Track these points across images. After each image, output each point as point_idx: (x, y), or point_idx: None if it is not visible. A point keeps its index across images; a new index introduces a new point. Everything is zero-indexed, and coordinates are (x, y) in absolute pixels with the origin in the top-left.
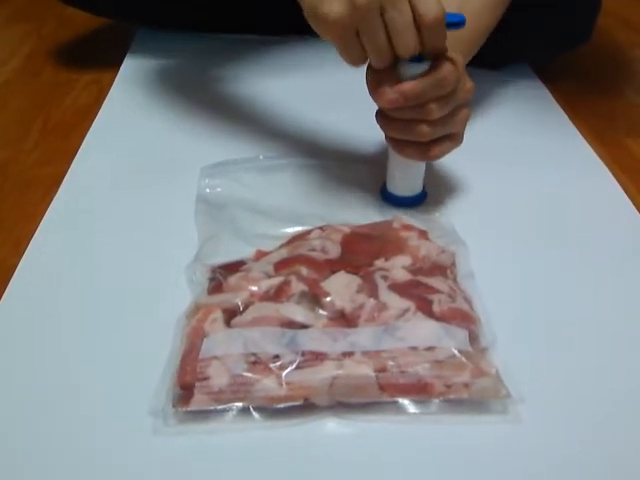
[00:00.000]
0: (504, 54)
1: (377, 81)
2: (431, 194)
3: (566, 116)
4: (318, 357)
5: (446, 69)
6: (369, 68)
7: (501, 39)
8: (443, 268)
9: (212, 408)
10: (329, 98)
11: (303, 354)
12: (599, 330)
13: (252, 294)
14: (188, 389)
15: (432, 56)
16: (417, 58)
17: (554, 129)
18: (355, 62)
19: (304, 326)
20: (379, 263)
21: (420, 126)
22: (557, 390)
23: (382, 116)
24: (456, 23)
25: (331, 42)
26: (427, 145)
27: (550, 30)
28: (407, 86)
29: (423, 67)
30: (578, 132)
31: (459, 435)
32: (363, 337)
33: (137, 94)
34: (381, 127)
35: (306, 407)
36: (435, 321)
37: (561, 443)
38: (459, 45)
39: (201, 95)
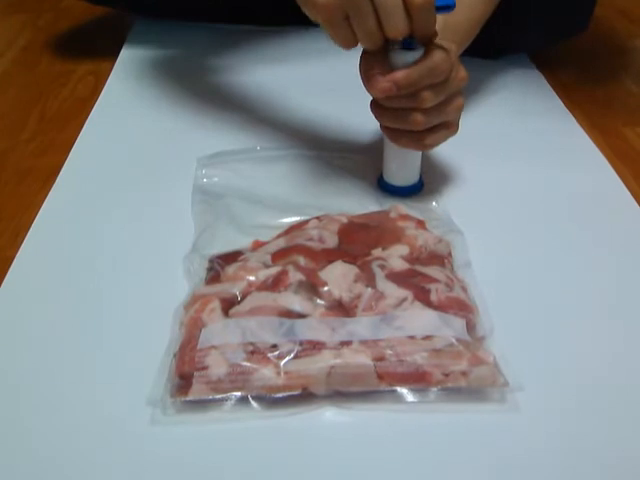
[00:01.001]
0: (501, 43)
1: (370, 71)
2: (428, 183)
3: (563, 105)
4: (316, 346)
5: (438, 57)
6: (362, 57)
7: (498, 28)
8: (440, 257)
9: (211, 397)
10: (326, 88)
11: (301, 343)
12: (597, 318)
13: (250, 284)
14: (187, 379)
15: (423, 42)
16: (409, 46)
17: (551, 118)
18: (346, 45)
19: (302, 315)
20: (376, 252)
21: (414, 115)
22: (555, 378)
23: (376, 106)
24: (446, 6)
25: (321, 25)
26: (421, 134)
27: (548, 19)
28: (399, 75)
29: (415, 55)
30: (575, 121)
31: (457, 423)
32: (361, 326)
33: (134, 84)
34: (375, 117)
35: (304, 396)
36: (433, 310)
37: (559, 431)
38: (454, 35)
39: (198, 85)
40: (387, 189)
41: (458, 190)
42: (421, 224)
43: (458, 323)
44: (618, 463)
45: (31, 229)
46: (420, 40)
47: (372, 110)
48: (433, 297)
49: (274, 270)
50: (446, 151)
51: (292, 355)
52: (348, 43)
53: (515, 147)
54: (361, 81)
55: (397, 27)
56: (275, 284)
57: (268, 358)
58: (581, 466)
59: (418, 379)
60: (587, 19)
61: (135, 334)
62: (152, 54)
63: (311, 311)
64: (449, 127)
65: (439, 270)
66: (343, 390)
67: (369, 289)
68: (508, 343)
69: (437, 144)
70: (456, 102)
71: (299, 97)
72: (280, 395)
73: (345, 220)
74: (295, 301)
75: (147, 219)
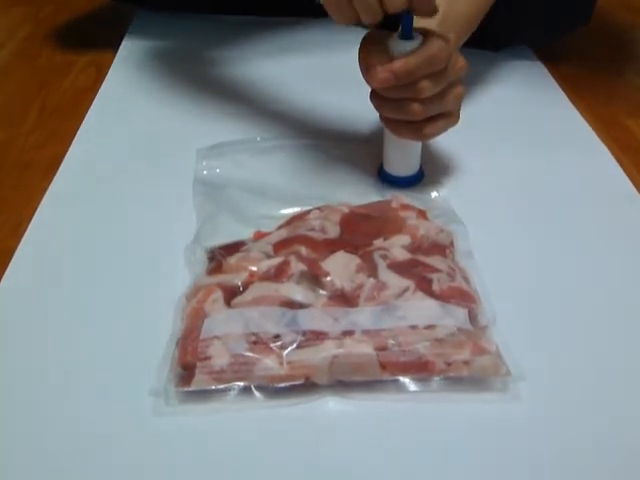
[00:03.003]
0: (504, 35)
1: (368, 61)
2: (429, 174)
3: (566, 97)
4: (319, 336)
5: (436, 46)
6: (361, 48)
7: (501, 20)
8: (442, 247)
9: (213, 388)
10: (327, 78)
11: (304, 333)
12: (598, 308)
13: (252, 274)
14: (189, 369)
15: (423, 14)
16: (408, 36)
17: (554, 110)
18: (345, 20)
19: (304, 306)
20: (378, 243)
21: (412, 105)
22: (557, 368)
23: (375, 96)
24: None
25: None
26: (421, 124)
27: (550, 11)
28: (398, 64)
29: (414, 45)
30: (578, 113)
31: (459, 413)
32: (363, 316)
33: (135, 76)
34: (375, 107)
35: (307, 386)
36: (435, 300)
37: (560, 421)
38: (453, 27)
39: (199, 76)
40: (387, 179)
41: (459, 181)
42: (422, 214)
43: (460, 312)
44: (619, 453)
45: (32, 220)
46: (419, 13)
47: (372, 101)
48: (435, 287)
49: (276, 261)
50: (447, 142)
51: (294, 345)
52: (347, 18)
53: (517, 139)
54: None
55: (396, 2)
56: (277, 274)
57: (270, 348)
58: (582, 455)
59: (420, 368)
60: (590, 11)
61: (137, 325)
62: (153, 45)
63: (313, 301)
64: (449, 117)
65: (441, 260)
66: (345, 380)
67: (371, 279)
68: (510, 333)
69: (437, 134)
70: (455, 91)
71: (300, 87)
72: (283, 385)
73: (347, 210)
74: (297, 291)
75: (148, 210)
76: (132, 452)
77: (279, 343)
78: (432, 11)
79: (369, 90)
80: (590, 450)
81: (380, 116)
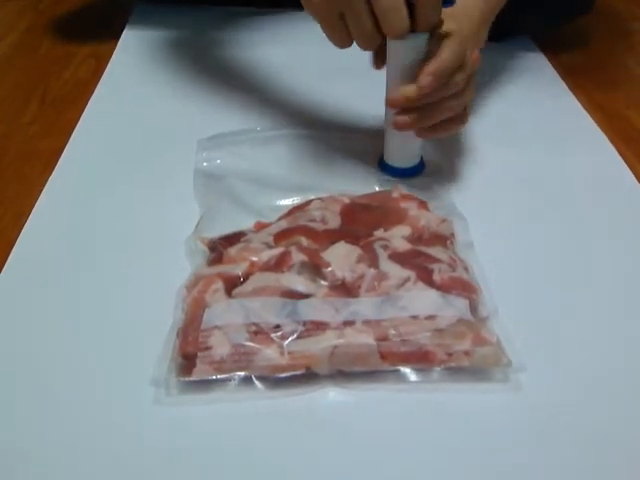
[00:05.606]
0: (505, 25)
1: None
2: (429, 165)
3: (567, 87)
4: (319, 327)
5: (457, 39)
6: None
7: (502, 10)
8: (443, 238)
9: (214, 378)
10: (327, 69)
11: (304, 324)
12: (599, 299)
13: (252, 265)
14: (190, 359)
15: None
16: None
17: (555, 100)
18: (340, 44)
19: (305, 296)
20: (379, 233)
21: (450, 101)
22: (557, 358)
23: (413, 114)
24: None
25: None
26: (461, 115)
27: (551, 1)
28: (433, 65)
29: (418, 40)
30: (579, 103)
31: (460, 403)
32: (364, 307)
33: (136, 67)
34: (415, 123)
35: (308, 376)
36: (436, 290)
37: (561, 411)
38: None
39: (199, 67)
40: (388, 170)
41: (460, 171)
42: (423, 205)
43: (461, 303)
44: (619, 444)
45: (33, 211)
46: (424, 27)
47: (406, 125)
48: (436, 277)
49: (277, 251)
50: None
51: (295, 335)
52: (342, 43)
53: (518, 129)
54: (365, 62)
55: (395, 26)
56: (278, 265)
57: (271, 338)
58: (582, 446)
59: (421, 359)
60: (589, 3)
61: (138, 315)
62: (153, 36)
63: (314, 291)
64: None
65: (442, 251)
66: (346, 370)
67: (372, 269)
68: (511, 323)
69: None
70: (473, 81)
71: (300, 78)
72: (283, 375)
73: (347, 201)
74: (298, 282)
75: (149, 201)
76: (132, 441)
77: (280, 333)
78: (437, 18)
79: (371, 80)
80: (590, 441)
81: (420, 130)
